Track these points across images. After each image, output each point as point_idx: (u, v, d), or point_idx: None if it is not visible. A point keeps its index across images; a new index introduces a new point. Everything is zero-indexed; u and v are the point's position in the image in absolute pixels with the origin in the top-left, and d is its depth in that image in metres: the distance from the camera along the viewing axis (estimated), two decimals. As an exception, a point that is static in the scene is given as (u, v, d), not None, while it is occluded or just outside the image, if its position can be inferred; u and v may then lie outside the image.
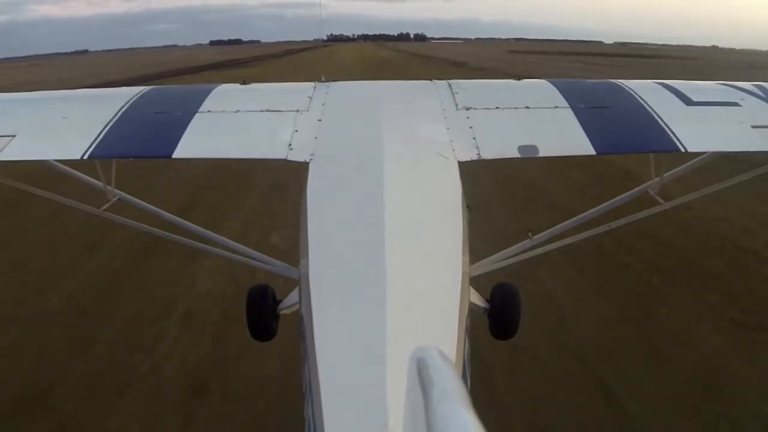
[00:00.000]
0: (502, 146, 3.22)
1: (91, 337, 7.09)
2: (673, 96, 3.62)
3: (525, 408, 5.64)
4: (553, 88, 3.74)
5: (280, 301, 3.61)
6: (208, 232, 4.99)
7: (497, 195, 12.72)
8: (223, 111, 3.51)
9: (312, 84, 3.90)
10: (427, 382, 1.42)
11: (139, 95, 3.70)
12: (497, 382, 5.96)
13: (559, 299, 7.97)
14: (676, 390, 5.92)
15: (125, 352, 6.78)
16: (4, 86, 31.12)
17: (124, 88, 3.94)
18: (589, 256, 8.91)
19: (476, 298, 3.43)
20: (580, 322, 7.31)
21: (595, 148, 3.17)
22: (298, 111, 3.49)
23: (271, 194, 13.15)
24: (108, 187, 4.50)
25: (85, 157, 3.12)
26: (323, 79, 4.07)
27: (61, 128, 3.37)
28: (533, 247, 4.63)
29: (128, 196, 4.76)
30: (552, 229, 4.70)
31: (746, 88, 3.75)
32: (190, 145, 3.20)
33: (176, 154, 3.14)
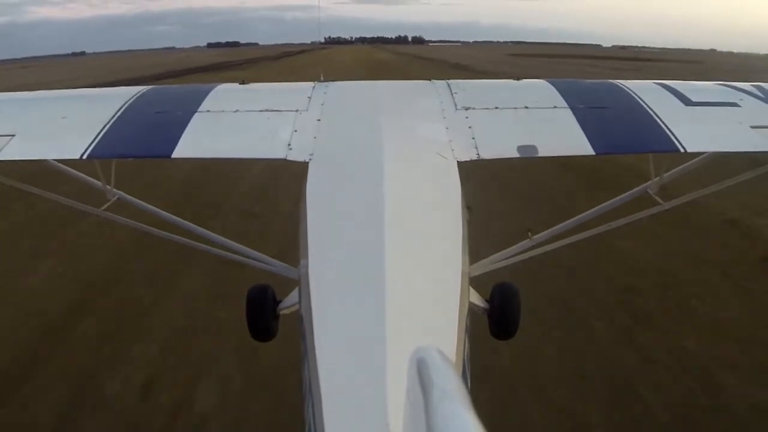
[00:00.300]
0: (501, 146, 3.22)
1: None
2: (672, 96, 3.63)
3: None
4: (552, 88, 3.74)
5: (280, 301, 3.61)
6: (207, 232, 4.99)
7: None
8: (223, 111, 3.51)
9: (311, 84, 3.90)
10: (427, 382, 1.42)
11: (138, 95, 3.70)
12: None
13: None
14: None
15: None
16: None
17: (123, 87, 3.93)
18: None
19: (476, 298, 3.43)
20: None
21: (594, 149, 3.17)
22: (297, 111, 3.49)
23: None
24: (107, 186, 4.49)
25: (85, 156, 3.12)
26: (322, 78, 4.07)
27: (60, 128, 3.37)
28: (533, 247, 4.63)
29: (128, 196, 4.75)
30: (552, 229, 4.70)
31: (745, 88, 3.76)
32: (190, 145, 3.20)
33: (176, 154, 3.14)
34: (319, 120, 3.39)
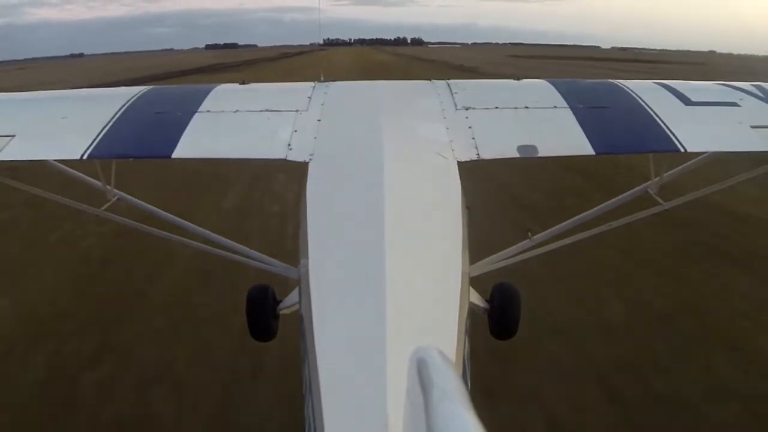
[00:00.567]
0: (501, 146, 3.22)
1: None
2: (672, 96, 3.62)
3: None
4: (552, 88, 3.74)
5: (280, 301, 3.61)
6: (207, 232, 4.98)
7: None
8: (223, 111, 3.51)
9: (311, 84, 3.89)
10: (427, 382, 1.42)
11: (138, 95, 3.70)
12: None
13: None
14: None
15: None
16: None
17: (123, 88, 3.93)
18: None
19: (476, 298, 3.44)
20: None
21: (594, 148, 3.17)
22: (297, 111, 3.48)
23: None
24: (108, 187, 4.49)
25: (85, 157, 3.12)
26: (322, 79, 4.06)
27: (60, 128, 3.37)
28: (533, 247, 4.63)
29: (128, 196, 4.75)
30: (551, 229, 4.70)
31: (745, 88, 3.75)
32: (190, 146, 3.20)
33: (176, 155, 3.14)
34: (319, 120, 3.39)
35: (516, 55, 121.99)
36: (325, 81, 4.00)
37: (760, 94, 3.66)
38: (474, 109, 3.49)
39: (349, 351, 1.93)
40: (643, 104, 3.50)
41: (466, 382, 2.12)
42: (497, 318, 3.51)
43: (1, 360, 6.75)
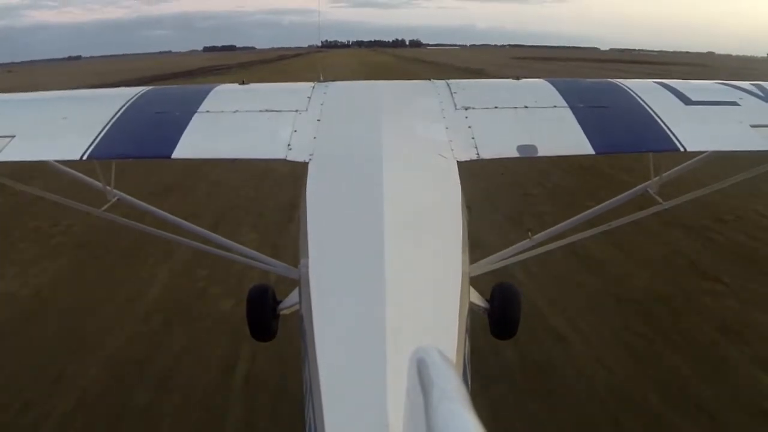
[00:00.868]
0: (501, 146, 3.22)
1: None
2: (671, 95, 3.62)
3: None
4: (552, 87, 3.74)
5: (280, 301, 3.62)
6: (207, 232, 4.98)
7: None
8: (222, 111, 3.50)
9: (311, 84, 3.89)
10: (427, 382, 1.42)
11: (138, 95, 3.70)
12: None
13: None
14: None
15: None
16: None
17: (123, 88, 3.93)
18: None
19: (476, 298, 3.44)
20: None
21: (594, 148, 3.17)
22: (297, 111, 3.48)
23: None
24: (107, 187, 4.49)
25: (85, 157, 3.12)
26: (322, 79, 4.06)
27: (60, 128, 3.37)
28: (533, 247, 4.63)
29: (128, 196, 4.75)
30: (551, 229, 4.70)
31: (745, 87, 3.75)
32: (189, 146, 3.20)
33: (175, 155, 3.14)
34: (318, 120, 3.39)
35: (519, 56, 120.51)
36: (324, 81, 4.00)
37: (760, 94, 3.66)
38: (474, 108, 3.49)
39: (349, 351, 1.92)
40: (643, 104, 3.50)
41: (466, 382, 2.12)
42: (497, 318, 3.51)
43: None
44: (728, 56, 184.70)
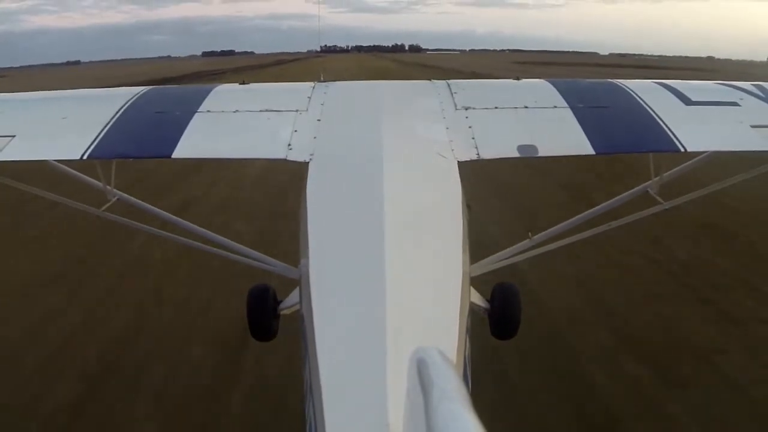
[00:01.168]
0: (501, 146, 3.22)
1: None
2: (672, 96, 3.62)
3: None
4: (552, 87, 3.74)
5: (281, 301, 3.61)
6: (207, 232, 4.99)
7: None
8: (223, 111, 3.51)
9: (311, 84, 3.89)
10: (427, 382, 1.42)
11: (138, 95, 3.70)
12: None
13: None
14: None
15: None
16: None
17: (123, 88, 3.94)
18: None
19: (476, 298, 3.44)
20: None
21: (594, 148, 3.17)
22: (297, 111, 3.49)
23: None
24: (108, 187, 4.49)
25: (85, 157, 3.12)
26: (322, 79, 4.06)
27: (60, 128, 3.37)
28: (533, 247, 4.63)
29: (128, 196, 4.76)
30: (551, 229, 4.70)
31: (745, 87, 3.75)
32: (190, 146, 3.20)
33: (176, 155, 3.15)
34: (319, 120, 3.39)
35: (521, 61, 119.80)
36: (324, 81, 4.00)
37: (760, 94, 3.66)
38: (474, 108, 3.50)
39: (349, 351, 1.92)
40: (643, 104, 3.50)
41: (466, 382, 2.12)
42: (498, 318, 3.52)
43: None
44: (728, 61, 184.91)
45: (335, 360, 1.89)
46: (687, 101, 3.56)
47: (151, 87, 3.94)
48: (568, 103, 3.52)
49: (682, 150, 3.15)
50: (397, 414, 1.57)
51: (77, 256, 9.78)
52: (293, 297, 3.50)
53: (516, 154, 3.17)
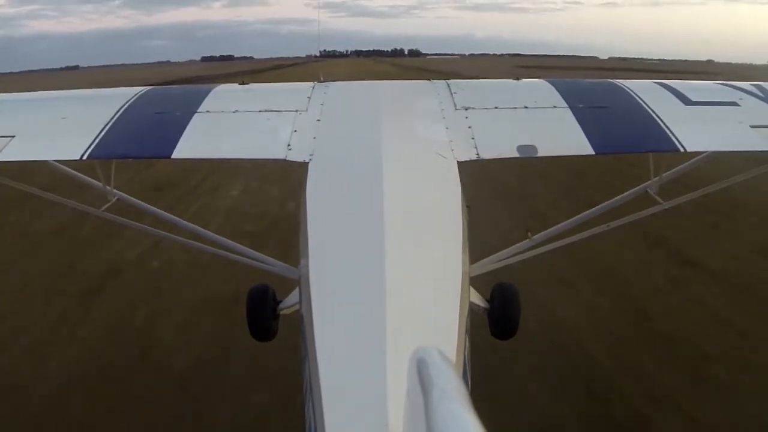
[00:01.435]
0: (501, 146, 3.22)
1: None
2: (671, 96, 3.62)
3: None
4: (552, 88, 3.74)
5: (281, 301, 3.61)
6: (207, 231, 4.99)
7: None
8: (222, 111, 3.51)
9: (311, 84, 3.89)
10: (427, 382, 1.42)
11: (138, 95, 3.70)
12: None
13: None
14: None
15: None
16: None
17: (123, 88, 3.93)
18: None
19: (476, 298, 3.43)
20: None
21: (594, 148, 3.17)
22: (297, 111, 3.49)
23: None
24: (107, 187, 4.48)
25: (85, 157, 3.12)
26: (322, 79, 4.07)
27: (60, 129, 3.37)
28: (533, 247, 4.63)
29: (127, 196, 4.76)
30: (551, 229, 4.70)
31: (745, 87, 3.75)
32: (189, 146, 3.20)
33: (175, 155, 3.14)
34: (318, 120, 3.39)
35: (522, 65, 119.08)
36: (324, 81, 4.00)
37: (760, 94, 3.66)
38: (473, 109, 3.50)
39: (349, 351, 1.93)
40: (643, 104, 3.50)
41: (466, 382, 2.12)
42: (497, 318, 3.51)
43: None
44: (728, 64, 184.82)
45: (335, 360, 1.89)
46: (686, 101, 3.56)
47: (150, 87, 3.93)
48: (567, 103, 3.52)
49: (682, 150, 3.15)
50: (397, 414, 1.57)
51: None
52: (293, 297, 3.50)
53: (516, 154, 3.17)
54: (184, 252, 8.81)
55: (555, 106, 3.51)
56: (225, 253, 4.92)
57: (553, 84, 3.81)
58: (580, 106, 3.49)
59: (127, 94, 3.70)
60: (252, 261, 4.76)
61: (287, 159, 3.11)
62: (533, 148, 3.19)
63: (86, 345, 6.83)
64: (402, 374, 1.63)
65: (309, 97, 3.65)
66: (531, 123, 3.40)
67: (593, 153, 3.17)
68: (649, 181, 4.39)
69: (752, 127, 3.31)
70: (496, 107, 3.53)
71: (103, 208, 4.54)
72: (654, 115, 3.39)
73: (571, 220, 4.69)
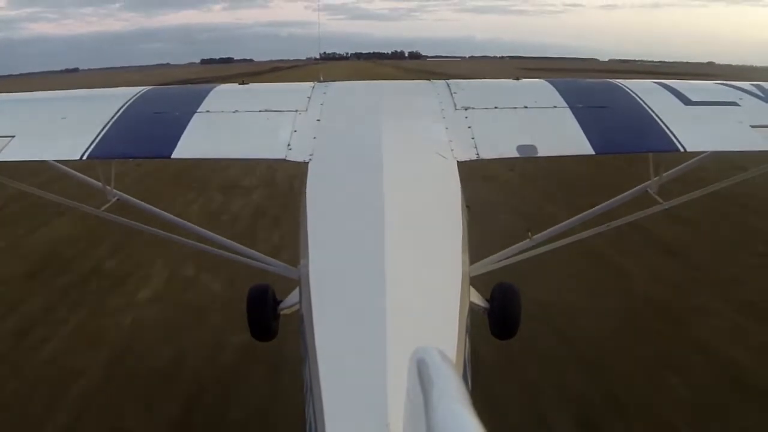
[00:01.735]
0: (500, 146, 3.22)
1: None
2: (671, 96, 3.62)
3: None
4: (552, 88, 3.74)
5: (281, 301, 3.61)
6: (207, 232, 4.99)
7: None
8: (222, 111, 3.51)
9: (311, 84, 3.89)
10: (427, 382, 1.41)
11: (138, 95, 3.69)
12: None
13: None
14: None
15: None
16: None
17: (123, 88, 3.92)
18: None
19: (476, 298, 3.43)
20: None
21: (594, 148, 3.17)
22: (296, 111, 3.48)
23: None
24: (107, 187, 4.48)
25: (84, 157, 3.12)
26: (322, 79, 4.06)
27: (60, 128, 3.37)
28: (533, 247, 4.63)
29: (127, 196, 4.75)
30: (551, 229, 4.69)
31: (745, 87, 3.75)
32: (189, 146, 3.20)
33: (175, 155, 3.14)
34: (318, 120, 3.39)
35: (524, 68, 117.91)
36: (324, 81, 4.00)
37: (760, 94, 3.66)
38: (473, 108, 3.49)
39: (349, 351, 1.92)
40: (643, 104, 3.50)
41: (466, 382, 2.12)
42: (497, 317, 3.51)
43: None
44: (729, 66, 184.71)
45: (335, 360, 1.89)
46: (686, 101, 3.56)
47: (150, 87, 3.93)
48: (567, 103, 3.51)
49: (682, 150, 3.15)
50: (396, 414, 1.57)
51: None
52: (293, 297, 3.50)
53: (515, 154, 3.17)
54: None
55: (555, 106, 3.51)
56: (225, 253, 4.91)
57: (553, 84, 3.81)
58: (580, 106, 3.49)
59: (127, 94, 3.69)
60: (252, 261, 4.75)
61: (287, 159, 3.11)
62: (533, 148, 3.19)
63: None
64: (402, 374, 1.61)
65: (309, 97, 3.65)
66: (531, 123, 3.39)
67: (593, 153, 3.17)
68: (649, 181, 4.38)
69: (752, 126, 3.31)
70: (496, 107, 3.53)
71: (103, 208, 4.54)
72: (654, 115, 3.38)
73: (571, 220, 4.69)
